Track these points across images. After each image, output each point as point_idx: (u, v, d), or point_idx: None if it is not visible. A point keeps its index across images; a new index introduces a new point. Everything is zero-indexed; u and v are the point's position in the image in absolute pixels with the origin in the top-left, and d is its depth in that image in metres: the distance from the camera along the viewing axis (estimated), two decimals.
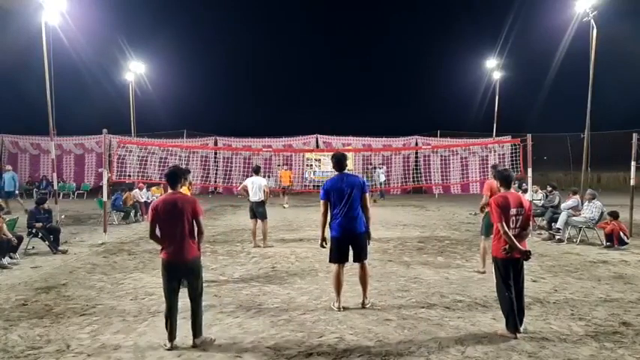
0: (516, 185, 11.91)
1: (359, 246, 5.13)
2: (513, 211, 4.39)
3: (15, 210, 13.48)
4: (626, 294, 5.81)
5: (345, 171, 5.28)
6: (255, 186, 9.03)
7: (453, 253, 8.48)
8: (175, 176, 4.34)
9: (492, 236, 4.61)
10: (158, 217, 4.17)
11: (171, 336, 4.16)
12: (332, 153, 5.63)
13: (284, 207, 16.95)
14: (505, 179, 4.62)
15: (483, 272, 6.80)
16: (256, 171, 9.38)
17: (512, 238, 4.30)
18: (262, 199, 9.07)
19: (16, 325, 4.74)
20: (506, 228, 4.33)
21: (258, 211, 9.05)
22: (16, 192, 15.57)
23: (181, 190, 5.46)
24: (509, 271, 4.41)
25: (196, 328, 4.23)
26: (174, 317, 4.20)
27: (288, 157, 23.03)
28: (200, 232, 4.26)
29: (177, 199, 4.18)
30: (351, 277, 6.26)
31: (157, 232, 4.22)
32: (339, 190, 5.05)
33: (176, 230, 4.12)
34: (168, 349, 4.10)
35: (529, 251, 4.38)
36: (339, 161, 5.26)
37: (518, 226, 4.42)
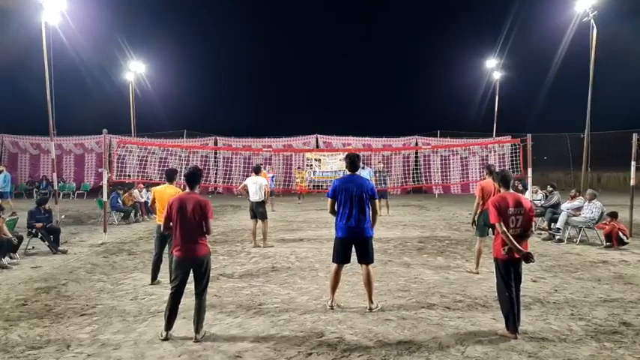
0: (521, 186, 11.91)
1: (364, 250, 5.09)
2: (512, 210, 4.39)
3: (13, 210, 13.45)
4: (626, 294, 5.81)
5: (357, 173, 5.25)
6: (256, 186, 9.05)
7: (453, 253, 8.48)
8: (194, 177, 4.56)
9: (493, 237, 4.61)
10: (171, 214, 4.38)
11: (168, 325, 4.34)
12: (340, 153, 5.64)
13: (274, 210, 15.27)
14: (503, 180, 4.64)
15: (476, 273, 6.80)
16: (256, 171, 9.38)
17: (511, 237, 4.30)
18: (262, 199, 9.08)
19: (16, 325, 4.74)
20: (504, 228, 4.33)
21: (258, 211, 9.07)
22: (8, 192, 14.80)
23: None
24: (510, 271, 4.41)
25: (198, 323, 4.35)
26: (176, 310, 4.37)
27: (288, 157, 23.01)
28: (207, 233, 4.44)
29: (191, 199, 4.38)
30: (351, 277, 6.27)
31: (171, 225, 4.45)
32: (348, 190, 5.03)
33: (186, 228, 4.33)
34: (163, 339, 4.28)
35: (530, 254, 4.35)
36: (352, 162, 5.23)
37: (518, 226, 4.41)
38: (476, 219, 6.98)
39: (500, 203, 4.42)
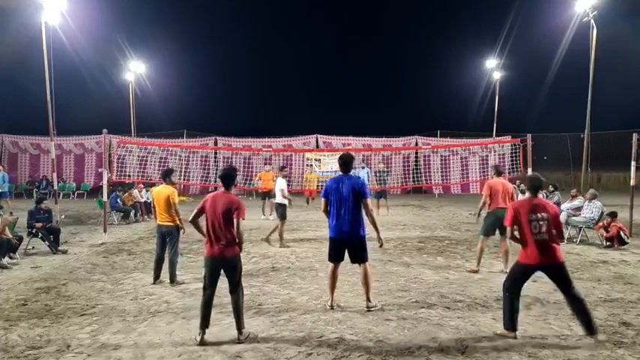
0: (521, 187, 11.88)
1: (356, 250, 5.12)
2: (532, 216, 4.31)
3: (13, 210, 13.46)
4: (626, 294, 5.81)
5: (351, 173, 5.25)
6: (277, 187, 9.35)
7: (453, 253, 8.48)
8: (228, 177, 4.56)
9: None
10: (204, 210, 4.45)
11: (204, 324, 4.31)
12: (340, 153, 5.62)
13: (268, 218, 13.25)
14: (532, 186, 4.59)
15: (476, 272, 6.81)
16: (280, 171, 9.82)
17: (517, 239, 4.40)
18: (280, 200, 9.22)
19: (16, 325, 4.74)
20: (515, 233, 4.38)
21: (277, 212, 9.30)
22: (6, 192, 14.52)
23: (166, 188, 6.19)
24: (525, 277, 4.42)
25: (238, 323, 4.35)
26: (208, 309, 4.36)
27: (288, 157, 22.98)
28: (237, 235, 4.39)
29: (223, 199, 4.40)
30: (351, 277, 6.27)
31: (202, 224, 4.51)
32: (338, 191, 5.07)
33: (216, 228, 4.34)
34: (199, 340, 4.23)
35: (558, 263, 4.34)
36: (345, 163, 5.25)
37: (543, 231, 4.29)
38: (482, 215, 7.02)
39: (519, 209, 4.41)
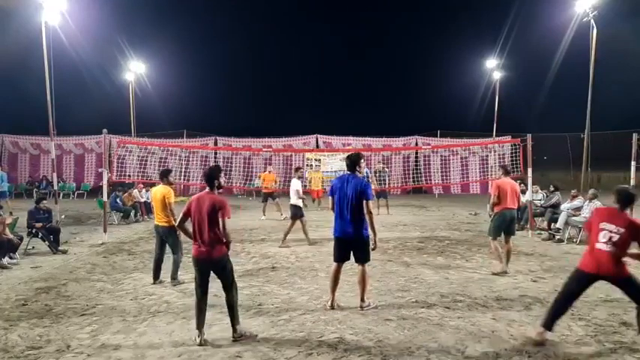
0: (523, 186, 11.89)
1: (357, 250, 5.12)
2: (604, 225, 4.15)
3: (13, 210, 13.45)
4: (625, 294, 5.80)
5: (356, 173, 5.23)
6: (292, 188, 9.36)
7: (453, 253, 8.48)
8: (208, 177, 4.50)
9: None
10: (190, 212, 4.42)
11: (199, 324, 4.31)
12: (340, 154, 5.64)
13: (279, 218, 13.16)
14: (619, 199, 4.30)
15: (505, 272, 6.73)
16: (295, 172, 9.96)
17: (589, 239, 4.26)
18: (294, 202, 9.26)
19: (16, 325, 4.74)
20: (591, 237, 4.25)
21: (291, 212, 9.35)
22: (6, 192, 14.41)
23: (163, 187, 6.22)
24: (579, 283, 4.30)
25: (232, 320, 4.36)
26: (202, 309, 4.35)
27: (288, 157, 22.97)
28: (223, 235, 4.36)
29: (207, 199, 4.37)
30: (351, 277, 6.26)
31: (189, 226, 4.49)
32: (342, 190, 5.08)
33: (201, 228, 4.31)
34: (198, 341, 4.22)
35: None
36: (352, 163, 5.23)
37: (611, 242, 4.09)
38: (491, 215, 7.01)
39: (597, 215, 4.34)
